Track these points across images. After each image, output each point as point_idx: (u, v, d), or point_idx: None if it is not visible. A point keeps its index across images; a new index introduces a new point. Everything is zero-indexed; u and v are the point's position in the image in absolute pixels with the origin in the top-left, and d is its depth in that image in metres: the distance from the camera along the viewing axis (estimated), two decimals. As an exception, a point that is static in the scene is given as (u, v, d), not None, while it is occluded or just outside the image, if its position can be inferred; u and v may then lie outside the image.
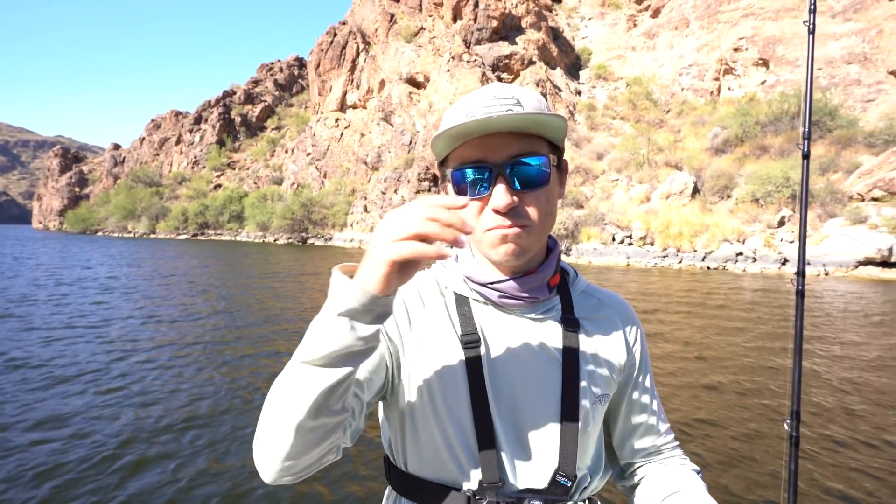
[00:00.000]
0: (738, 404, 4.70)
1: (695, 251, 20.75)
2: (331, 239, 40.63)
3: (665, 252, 21.22)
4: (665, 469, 0.88)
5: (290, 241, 42.93)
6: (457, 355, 0.77)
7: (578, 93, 42.04)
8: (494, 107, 0.70)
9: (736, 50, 37.81)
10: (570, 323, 0.82)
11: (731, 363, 6.13)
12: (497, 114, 0.66)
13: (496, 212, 0.70)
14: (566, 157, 0.82)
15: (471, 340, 0.77)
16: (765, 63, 36.22)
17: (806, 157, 0.67)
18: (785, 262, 18.33)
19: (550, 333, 0.81)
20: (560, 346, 0.80)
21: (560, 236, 23.28)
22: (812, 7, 0.70)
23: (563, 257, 17.66)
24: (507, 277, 0.78)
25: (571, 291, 0.87)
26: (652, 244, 22.10)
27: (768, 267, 18.41)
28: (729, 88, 38.40)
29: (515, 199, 0.70)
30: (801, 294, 0.60)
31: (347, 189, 43.67)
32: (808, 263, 17.58)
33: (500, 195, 0.69)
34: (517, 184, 0.71)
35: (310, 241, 41.89)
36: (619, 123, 36.96)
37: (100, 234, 70.06)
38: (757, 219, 20.90)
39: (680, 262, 20.53)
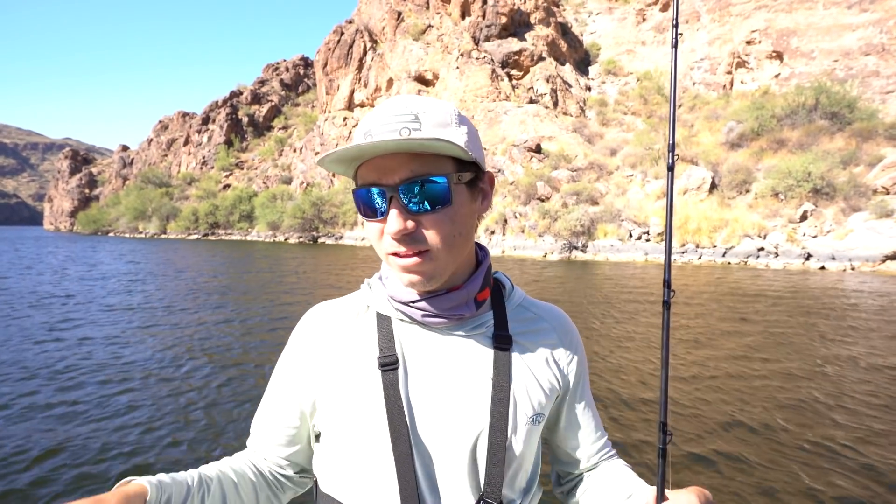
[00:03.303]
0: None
1: (714, 247, 20.49)
2: (341, 238, 40.64)
3: (684, 248, 20.95)
4: (599, 471, 0.87)
5: (301, 240, 42.98)
6: (373, 378, 0.74)
7: (588, 88, 41.72)
8: (390, 125, 0.65)
9: (749, 43, 37.33)
10: (502, 339, 0.77)
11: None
12: (387, 136, 0.64)
13: (392, 237, 0.67)
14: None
15: (388, 362, 0.74)
16: (779, 56, 35.74)
17: (671, 169, 0.74)
18: (809, 257, 18.03)
19: (480, 351, 0.76)
20: (490, 364, 0.75)
21: (576, 233, 23.09)
22: (675, 22, 0.74)
23: (580, 254, 17.24)
24: (422, 297, 0.74)
25: (506, 305, 0.82)
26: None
27: (791, 262, 18.12)
28: (742, 82, 37.95)
29: (410, 223, 0.67)
30: (667, 305, 0.61)
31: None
32: (833, 258, 17.33)
33: (393, 220, 0.66)
34: (413, 205, 0.66)
35: (321, 240, 41.91)
36: (631, 119, 36.63)
37: (111, 234, 70.58)
38: (778, 213, 20.59)
39: (699, 257, 20.28)
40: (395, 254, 0.68)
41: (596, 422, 0.89)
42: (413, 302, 0.74)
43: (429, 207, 0.67)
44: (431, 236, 0.68)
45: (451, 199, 0.68)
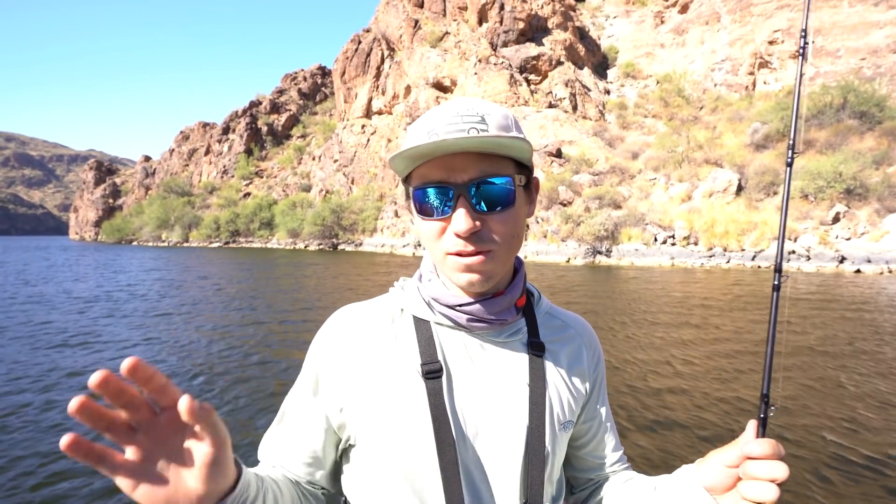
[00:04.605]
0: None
1: (743, 250, 20.15)
2: (361, 244, 40.92)
3: (711, 252, 20.65)
4: (620, 477, 0.88)
5: (321, 246, 43.41)
6: (416, 386, 0.72)
7: (608, 92, 41.51)
8: (458, 125, 0.66)
9: (771, 43, 36.80)
10: (537, 347, 0.78)
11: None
12: (457, 135, 0.64)
13: (457, 235, 0.67)
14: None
15: (432, 370, 0.72)
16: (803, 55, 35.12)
17: (789, 164, 0.79)
18: (843, 259, 17.61)
19: (516, 358, 0.77)
20: (527, 371, 0.76)
21: (600, 237, 22.92)
22: (803, 32, 0.78)
23: (604, 259, 17.24)
24: (475, 300, 0.74)
25: (536, 313, 0.83)
26: (696, 244, 21.55)
27: (824, 265, 17.72)
28: (765, 83, 37.38)
29: (478, 223, 0.67)
30: (777, 288, 0.70)
31: (375, 194, 43.95)
32: (869, 261, 16.91)
33: (462, 219, 0.66)
34: (481, 205, 0.68)
35: (340, 247, 42.27)
36: (652, 121, 36.32)
37: (135, 243, 72.19)
38: (808, 215, 20.18)
39: (728, 261, 19.96)
40: (459, 253, 0.68)
41: (614, 430, 0.90)
42: (460, 305, 0.74)
43: (495, 207, 0.68)
44: (495, 235, 0.68)
45: (513, 200, 0.69)
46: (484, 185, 0.67)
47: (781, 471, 0.62)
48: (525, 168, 0.73)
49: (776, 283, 0.71)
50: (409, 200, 0.74)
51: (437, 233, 0.69)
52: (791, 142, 0.71)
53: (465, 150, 0.66)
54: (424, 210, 0.69)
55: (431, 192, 0.68)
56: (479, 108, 0.68)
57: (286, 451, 0.78)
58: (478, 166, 0.67)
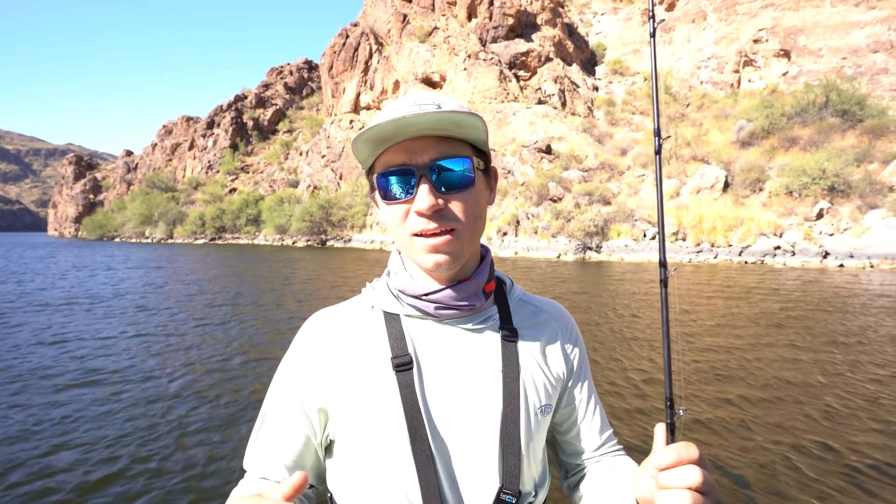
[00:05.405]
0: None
1: (730, 246, 20.50)
2: (350, 240, 40.69)
3: (699, 247, 20.98)
4: (605, 464, 0.88)
5: (310, 243, 43.05)
6: (388, 380, 0.74)
7: (596, 88, 41.78)
8: (415, 111, 0.68)
9: (756, 41, 37.34)
10: (509, 332, 0.80)
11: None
12: (412, 114, 0.65)
13: (420, 214, 0.69)
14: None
15: (402, 362, 0.74)
16: (786, 54, 35.74)
17: (658, 153, 0.77)
18: (826, 255, 18.03)
19: (489, 344, 0.79)
20: (499, 357, 0.78)
21: (590, 233, 23.12)
22: (651, 13, 0.75)
23: (594, 255, 17.33)
24: (443, 287, 0.76)
25: (508, 300, 0.85)
26: (684, 240, 21.86)
27: (809, 260, 18.12)
28: (749, 80, 37.96)
29: (441, 201, 0.69)
30: (664, 283, 0.67)
31: (364, 190, 43.68)
32: (851, 256, 17.33)
33: (424, 197, 0.68)
34: (442, 186, 0.70)
35: (329, 243, 41.97)
36: (640, 118, 36.67)
37: (117, 240, 70.73)
38: (793, 211, 20.60)
39: (715, 257, 20.29)
40: (422, 233, 0.70)
41: (600, 413, 0.90)
42: (426, 295, 0.76)
43: (456, 187, 0.70)
44: (458, 215, 0.70)
45: (474, 181, 0.72)
46: (444, 166, 0.69)
47: (694, 476, 0.57)
48: (483, 154, 0.76)
49: (662, 277, 0.69)
50: (373, 192, 0.76)
51: (401, 216, 0.71)
52: (655, 126, 0.71)
53: (424, 133, 0.68)
54: (388, 195, 0.71)
55: (394, 176, 0.70)
56: (434, 98, 0.72)
57: (270, 459, 0.77)
58: (437, 148, 0.69)
